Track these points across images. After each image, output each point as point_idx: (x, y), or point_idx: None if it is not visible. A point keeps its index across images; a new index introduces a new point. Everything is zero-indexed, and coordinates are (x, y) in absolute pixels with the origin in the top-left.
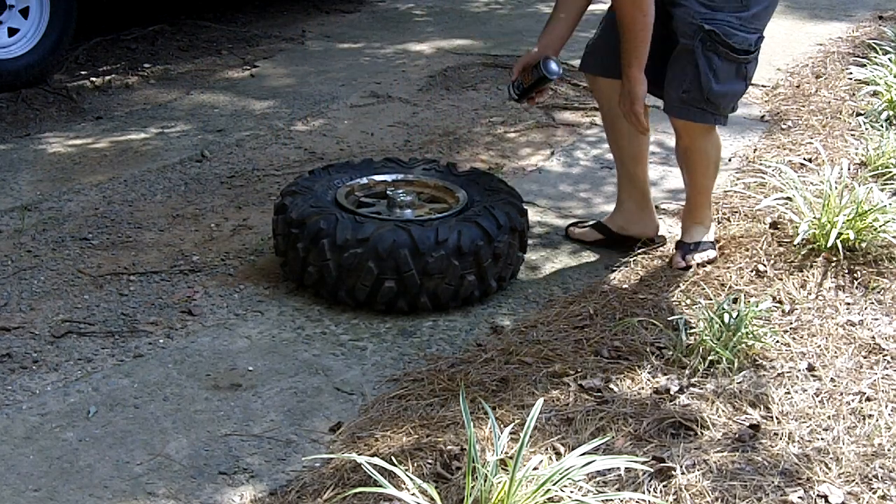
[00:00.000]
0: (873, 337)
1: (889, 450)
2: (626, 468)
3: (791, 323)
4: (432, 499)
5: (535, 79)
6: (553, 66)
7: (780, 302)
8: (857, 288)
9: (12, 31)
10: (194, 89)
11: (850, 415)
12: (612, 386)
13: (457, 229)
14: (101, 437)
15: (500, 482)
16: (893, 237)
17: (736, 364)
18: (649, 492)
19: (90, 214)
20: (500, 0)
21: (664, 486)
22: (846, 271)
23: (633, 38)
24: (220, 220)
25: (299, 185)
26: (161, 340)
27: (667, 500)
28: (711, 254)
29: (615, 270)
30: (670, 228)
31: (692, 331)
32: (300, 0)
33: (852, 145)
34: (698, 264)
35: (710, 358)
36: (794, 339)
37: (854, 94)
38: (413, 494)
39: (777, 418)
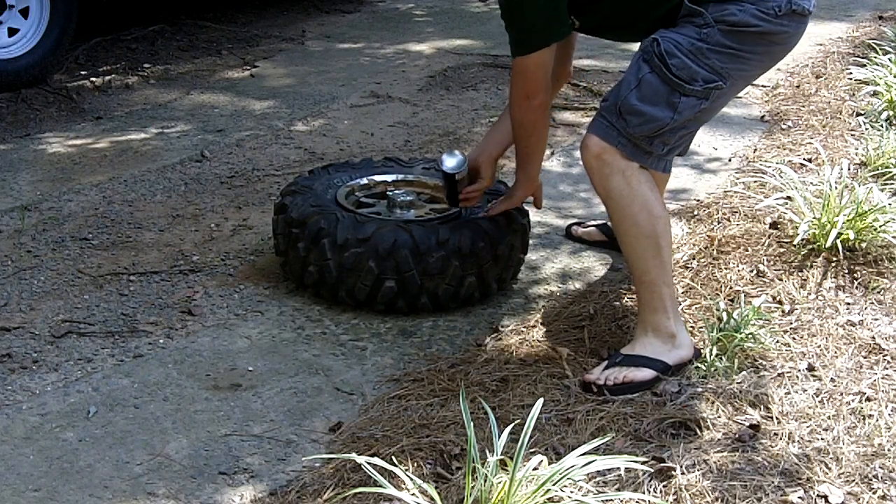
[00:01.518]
0: (873, 337)
1: (889, 450)
2: (626, 468)
3: (791, 323)
4: (432, 499)
5: (443, 181)
6: (447, 161)
7: (780, 302)
8: (857, 288)
9: (12, 31)
10: (194, 89)
11: (850, 415)
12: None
13: (457, 230)
14: (101, 437)
15: (500, 482)
16: (893, 237)
17: (736, 364)
18: (649, 492)
19: (90, 214)
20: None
21: (664, 486)
22: (846, 271)
23: (521, 145)
24: (220, 220)
25: (299, 184)
26: (161, 340)
27: (667, 500)
28: (639, 375)
29: (615, 270)
30: None
31: (692, 331)
32: (300, 0)
33: (852, 145)
34: (602, 386)
35: (709, 358)
36: (794, 339)
37: (854, 94)
38: (413, 494)
39: (777, 418)
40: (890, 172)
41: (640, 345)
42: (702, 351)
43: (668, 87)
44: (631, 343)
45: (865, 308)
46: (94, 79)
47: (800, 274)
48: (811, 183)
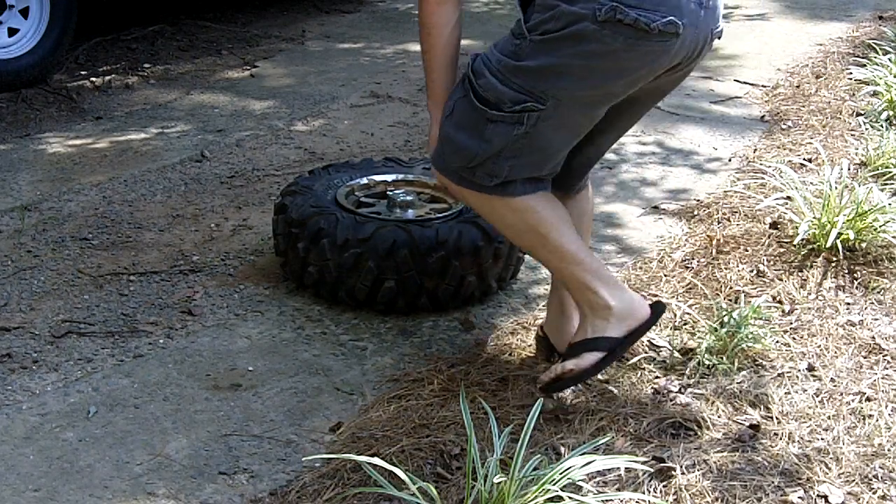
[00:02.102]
0: (873, 337)
1: (889, 450)
2: (626, 468)
3: (791, 323)
4: (432, 499)
5: None
6: None
7: (780, 302)
8: (857, 288)
9: (12, 31)
10: (194, 89)
11: (850, 415)
12: (612, 386)
13: (457, 229)
14: (101, 437)
15: (500, 482)
16: (893, 237)
17: (736, 364)
18: (649, 492)
19: (90, 214)
20: (499, 0)
21: (664, 486)
22: (846, 271)
23: (423, 58)
24: (220, 220)
25: (299, 184)
26: (161, 340)
27: (667, 500)
28: (581, 363)
29: (615, 271)
30: (670, 228)
31: (692, 331)
32: (300, 0)
33: (852, 145)
34: (551, 382)
35: (710, 358)
36: (794, 339)
37: (854, 94)
38: (413, 494)
39: (777, 418)
40: (890, 172)
41: (582, 329)
42: (665, 303)
43: (475, 112)
44: (579, 327)
45: (865, 308)
46: (94, 79)
47: (800, 274)
48: (811, 183)
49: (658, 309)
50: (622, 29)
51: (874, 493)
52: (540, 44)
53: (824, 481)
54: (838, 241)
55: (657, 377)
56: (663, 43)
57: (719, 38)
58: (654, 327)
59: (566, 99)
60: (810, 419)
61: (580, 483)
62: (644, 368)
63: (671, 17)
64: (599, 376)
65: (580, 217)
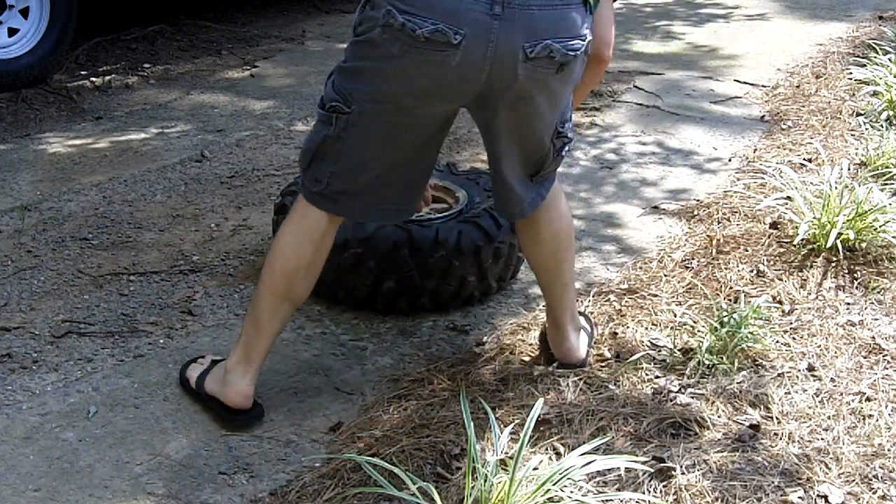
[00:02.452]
0: (873, 337)
1: (889, 450)
2: (626, 468)
3: (791, 323)
4: (432, 499)
5: None
6: None
7: (780, 302)
8: (857, 288)
9: (12, 31)
10: (194, 89)
11: (850, 415)
12: (612, 386)
13: (457, 229)
14: (101, 437)
15: (500, 482)
16: (893, 237)
17: (736, 364)
18: (649, 492)
19: (90, 214)
20: None
21: (664, 486)
22: (846, 271)
23: None
24: (220, 220)
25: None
26: (161, 340)
27: (667, 500)
28: None
29: (615, 270)
30: (670, 228)
31: (692, 331)
32: (300, 0)
33: (852, 145)
34: None
35: (710, 358)
36: (794, 339)
37: (854, 94)
38: (413, 494)
39: (777, 418)
40: (890, 172)
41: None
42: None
43: (320, 121)
44: None
45: (865, 308)
46: (94, 79)
47: (800, 274)
48: (811, 183)
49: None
50: (396, 34)
51: (874, 493)
52: (352, 45)
53: (824, 481)
54: (838, 241)
55: (657, 377)
56: (439, 53)
57: (555, 58)
58: (654, 327)
59: (367, 104)
60: (810, 419)
61: (580, 483)
62: (644, 368)
63: (440, 26)
64: (601, 374)
65: (551, 240)
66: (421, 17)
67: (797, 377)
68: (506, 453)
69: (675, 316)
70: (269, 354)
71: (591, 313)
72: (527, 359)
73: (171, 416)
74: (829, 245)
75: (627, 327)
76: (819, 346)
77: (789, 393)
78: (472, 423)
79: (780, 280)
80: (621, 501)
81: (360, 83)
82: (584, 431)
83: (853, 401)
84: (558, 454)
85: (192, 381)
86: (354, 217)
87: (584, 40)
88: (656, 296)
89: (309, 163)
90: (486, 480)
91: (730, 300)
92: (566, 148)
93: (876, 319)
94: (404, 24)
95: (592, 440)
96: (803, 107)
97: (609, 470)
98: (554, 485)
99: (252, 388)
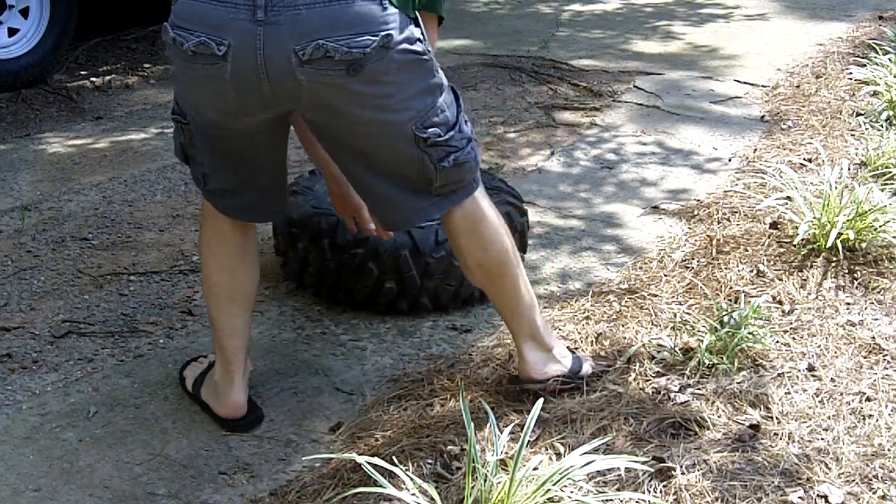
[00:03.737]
0: (873, 337)
1: (889, 450)
2: (626, 468)
3: (791, 323)
4: (432, 499)
5: None
6: None
7: (780, 302)
8: (857, 288)
9: (12, 31)
10: None
11: (850, 415)
12: (612, 386)
13: None
14: (101, 437)
15: (500, 482)
16: (893, 237)
17: (736, 364)
18: (649, 492)
19: (90, 214)
20: (499, 0)
21: (664, 486)
22: (846, 271)
23: None
24: None
25: (300, 185)
26: (161, 340)
27: (667, 500)
28: None
29: (615, 270)
30: (670, 228)
31: (692, 331)
32: None
33: (852, 145)
34: None
35: (710, 358)
36: (794, 339)
37: (854, 94)
38: (413, 494)
39: (777, 418)
40: (890, 172)
41: None
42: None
43: None
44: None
45: (865, 308)
46: (94, 79)
47: (800, 274)
48: (811, 183)
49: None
50: (173, 50)
51: (874, 493)
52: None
53: (824, 481)
54: (838, 241)
55: (657, 377)
56: (210, 67)
57: (335, 58)
58: (654, 327)
59: (191, 117)
60: (810, 419)
61: (580, 483)
62: (644, 368)
63: (202, 38)
64: (600, 374)
65: (478, 269)
66: (189, 30)
67: (797, 377)
68: (506, 453)
69: (675, 316)
70: (269, 355)
71: (594, 314)
72: None
73: (171, 416)
74: (829, 245)
75: (627, 327)
76: (819, 346)
77: (789, 393)
78: (472, 423)
79: (780, 280)
80: (621, 501)
81: (179, 97)
82: (585, 431)
83: (853, 401)
84: (558, 454)
85: (189, 383)
86: (237, 216)
87: (376, 36)
88: (656, 296)
89: (186, 164)
90: (486, 480)
91: (730, 300)
92: (452, 157)
93: (876, 319)
94: (174, 40)
95: (592, 440)
96: (803, 107)
97: (609, 470)
98: (554, 485)
99: (243, 396)
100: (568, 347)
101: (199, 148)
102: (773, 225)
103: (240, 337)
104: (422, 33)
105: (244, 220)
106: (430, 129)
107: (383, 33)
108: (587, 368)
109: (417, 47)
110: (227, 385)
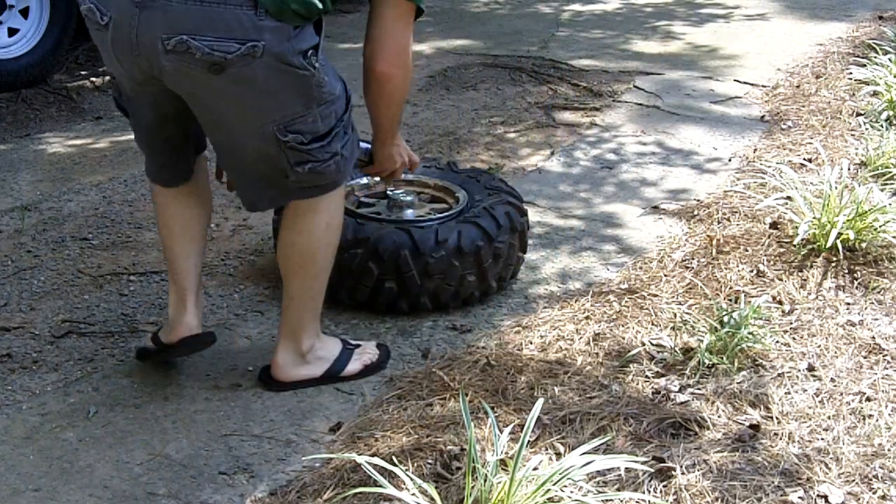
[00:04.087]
0: (873, 337)
1: (889, 450)
2: (626, 468)
3: (791, 323)
4: (432, 499)
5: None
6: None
7: (780, 302)
8: (857, 288)
9: (12, 31)
10: None
11: (850, 415)
12: (612, 386)
13: (457, 230)
14: (101, 437)
15: (500, 482)
16: (893, 237)
17: (736, 364)
18: (649, 492)
19: (90, 214)
20: (499, 0)
21: (664, 486)
22: (846, 271)
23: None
24: (220, 220)
25: None
26: None
27: (667, 500)
28: None
29: (615, 270)
30: (670, 228)
31: (692, 331)
32: None
33: (852, 145)
34: None
35: (710, 358)
36: (794, 339)
37: (854, 94)
38: (413, 494)
39: (777, 418)
40: (890, 172)
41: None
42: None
43: None
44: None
45: (865, 308)
46: (94, 79)
47: (800, 274)
48: (811, 183)
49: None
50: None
51: (874, 493)
52: None
53: (824, 481)
54: (838, 241)
55: (657, 377)
56: (97, 32)
57: (196, 56)
58: (654, 327)
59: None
60: (810, 419)
61: (580, 483)
62: (644, 368)
63: (91, 5)
64: (601, 374)
65: (280, 250)
66: None
67: (797, 377)
68: (506, 453)
69: (675, 316)
70: (269, 354)
71: (594, 314)
72: (527, 359)
73: (171, 416)
74: (829, 245)
75: (627, 327)
76: (819, 346)
77: (789, 393)
78: (472, 423)
79: (780, 280)
80: (621, 501)
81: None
82: (585, 431)
83: (853, 401)
84: (558, 454)
85: (145, 342)
86: (151, 178)
87: (242, 45)
88: (656, 296)
89: (126, 116)
90: (486, 480)
91: (730, 300)
92: (308, 165)
93: (876, 319)
94: (78, 2)
95: (592, 440)
96: (803, 107)
97: (609, 470)
98: (554, 485)
99: (195, 319)
100: (348, 344)
101: (128, 111)
102: (773, 225)
103: (192, 274)
104: (314, 46)
105: (154, 180)
106: (291, 134)
107: (250, 44)
108: (354, 367)
109: (295, 61)
110: (180, 309)
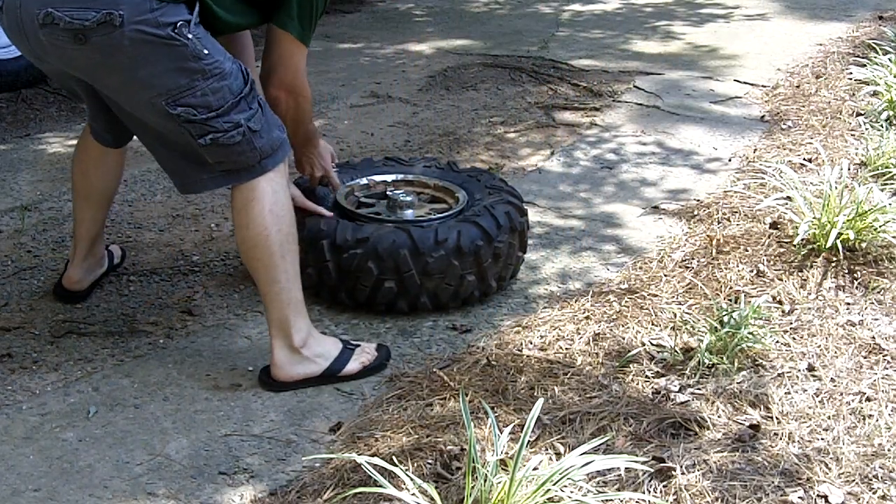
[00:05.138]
0: (873, 337)
1: (889, 450)
2: (626, 468)
3: (791, 323)
4: (432, 499)
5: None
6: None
7: (780, 302)
8: (857, 288)
9: None
10: None
11: (850, 415)
12: (612, 386)
13: (456, 229)
14: (101, 437)
15: (500, 482)
16: (893, 237)
17: (736, 364)
18: (649, 492)
19: None
20: (500, 0)
21: (664, 486)
22: (846, 271)
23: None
24: (220, 220)
25: (300, 185)
26: (161, 340)
27: (667, 500)
28: None
29: (615, 270)
30: (670, 228)
31: (692, 331)
32: None
33: (852, 145)
34: None
35: (710, 358)
36: (794, 339)
37: (854, 94)
38: (413, 494)
39: (777, 418)
40: (890, 172)
41: None
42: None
43: None
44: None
45: (865, 308)
46: None
47: (800, 274)
48: (811, 183)
49: None
50: None
51: (874, 493)
52: None
53: (824, 481)
54: (838, 241)
55: (657, 377)
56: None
57: (60, 25)
58: (654, 327)
59: None
60: (810, 419)
61: (580, 483)
62: (644, 368)
63: None
64: (601, 374)
65: (240, 244)
66: None
67: (797, 377)
68: (506, 453)
69: (675, 316)
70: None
71: (594, 314)
72: (527, 359)
73: (171, 416)
74: (829, 245)
75: (627, 327)
76: (819, 346)
77: (789, 393)
78: (472, 423)
79: (780, 280)
80: (621, 501)
81: None
82: (585, 431)
83: (853, 401)
84: (558, 454)
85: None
86: (93, 135)
87: (98, 12)
88: (656, 296)
89: None
90: (486, 480)
91: (730, 300)
92: (209, 137)
93: (876, 319)
94: None
95: (592, 440)
96: (803, 107)
97: (609, 470)
98: (554, 485)
99: (77, 274)
100: (349, 344)
101: None
102: (773, 225)
103: (86, 229)
104: (186, 20)
105: (95, 138)
106: (181, 108)
107: (105, 11)
108: (353, 367)
109: (161, 32)
110: (70, 262)
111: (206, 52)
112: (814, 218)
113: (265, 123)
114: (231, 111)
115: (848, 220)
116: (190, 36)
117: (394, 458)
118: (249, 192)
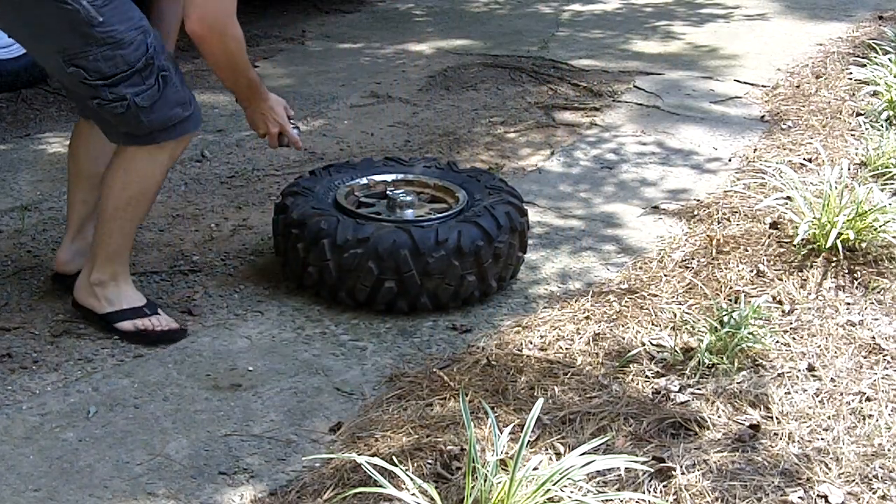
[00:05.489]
0: (873, 337)
1: (889, 450)
2: (626, 468)
3: (791, 323)
4: (432, 499)
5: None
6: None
7: (780, 302)
8: (857, 288)
9: None
10: (194, 89)
11: (850, 415)
12: (612, 386)
13: (457, 229)
14: (101, 437)
15: (500, 482)
16: (893, 237)
17: (736, 364)
18: (649, 492)
19: None
20: (499, 0)
21: (664, 486)
22: (846, 271)
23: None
24: (220, 220)
25: (300, 185)
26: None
27: (667, 500)
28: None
29: (615, 270)
30: (670, 228)
31: (692, 331)
32: (300, 0)
33: (852, 145)
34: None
35: (710, 358)
36: (794, 339)
37: (854, 94)
38: (413, 494)
39: (777, 418)
40: (890, 172)
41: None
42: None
43: None
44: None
45: (865, 308)
46: None
47: (800, 274)
48: (811, 183)
49: None
50: None
51: (874, 493)
52: None
53: (824, 481)
54: (838, 241)
55: (657, 377)
56: None
57: None
58: (654, 327)
59: None
60: (810, 419)
61: (580, 483)
62: (644, 368)
63: None
64: (601, 374)
65: (103, 178)
66: None
67: (797, 377)
68: (506, 453)
69: (675, 316)
70: (269, 355)
71: (595, 314)
72: (527, 359)
73: (171, 416)
74: (829, 245)
75: (627, 327)
76: (819, 346)
77: (789, 393)
78: (472, 423)
79: (780, 280)
80: (621, 501)
81: None
82: (585, 431)
83: (853, 401)
84: (558, 454)
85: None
86: (81, 112)
87: None
88: (656, 296)
89: None
90: (486, 480)
91: (730, 300)
92: (96, 101)
93: (876, 319)
94: None
95: (592, 440)
96: (803, 107)
97: (609, 470)
98: (554, 485)
99: (65, 255)
100: (149, 307)
101: None
102: (773, 225)
103: (76, 211)
104: None
105: (84, 117)
106: (73, 68)
107: None
108: (126, 325)
109: None
110: (61, 243)
111: (100, 19)
112: (814, 218)
113: (160, 100)
114: (121, 83)
115: (848, 220)
116: (84, 2)
117: (394, 458)
118: (126, 154)
